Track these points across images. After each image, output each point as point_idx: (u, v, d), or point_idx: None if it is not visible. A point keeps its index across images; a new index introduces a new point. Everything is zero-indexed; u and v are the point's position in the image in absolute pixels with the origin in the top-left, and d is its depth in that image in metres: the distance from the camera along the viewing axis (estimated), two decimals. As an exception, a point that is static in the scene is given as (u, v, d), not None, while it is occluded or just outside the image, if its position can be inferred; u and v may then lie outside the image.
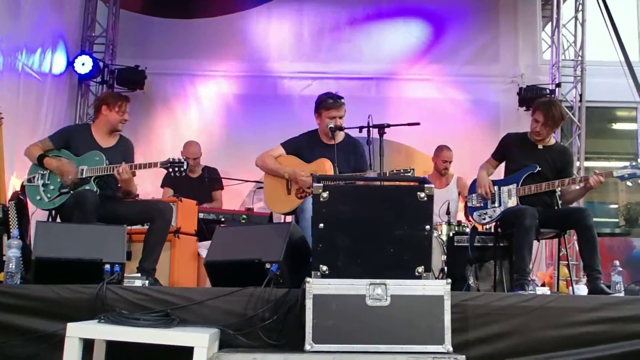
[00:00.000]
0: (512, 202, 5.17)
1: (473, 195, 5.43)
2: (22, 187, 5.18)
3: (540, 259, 7.97)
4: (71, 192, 5.00)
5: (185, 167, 5.12)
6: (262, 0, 9.53)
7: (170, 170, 5.11)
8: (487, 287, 5.52)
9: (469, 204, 5.47)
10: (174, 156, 5.18)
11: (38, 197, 5.09)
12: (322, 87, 8.46)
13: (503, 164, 5.51)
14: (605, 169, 5.14)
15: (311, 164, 5.30)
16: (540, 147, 5.30)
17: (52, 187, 5.08)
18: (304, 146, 5.43)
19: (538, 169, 5.18)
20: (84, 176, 5.03)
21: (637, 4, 9.73)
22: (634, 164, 4.97)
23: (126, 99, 5.36)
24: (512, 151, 5.40)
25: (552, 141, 5.43)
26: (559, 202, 5.28)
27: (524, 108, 8.67)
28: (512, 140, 5.47)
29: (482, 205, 5.35)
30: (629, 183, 5.04)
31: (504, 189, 5.25)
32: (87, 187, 5.00)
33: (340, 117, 5.32)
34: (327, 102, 5.34)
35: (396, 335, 3.30)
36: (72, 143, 5.17)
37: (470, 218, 5.54)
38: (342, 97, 5.40)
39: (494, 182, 5.33)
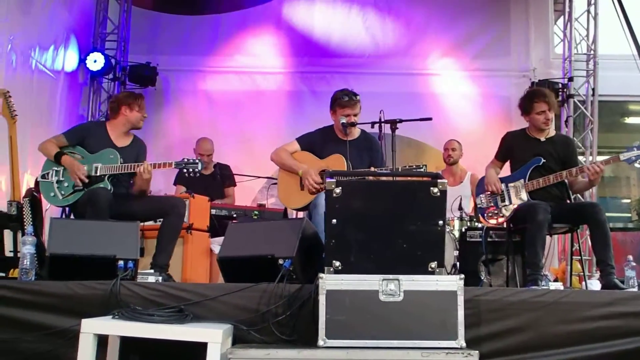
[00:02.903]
0: (523, 197, 5.15)
1: (482, 195, 5.42)
2: (37, 183, 5.22)
3: (553, 254, 7.95)
4: (85, 189, 5.02)
5: (199, 167, 5.14)
6: (272, -4, 9.55)
7: (185, 170, 5.12)
8: (500, 283, 5.50)
9: (479, 205, 5.44)
10: (188, 156, 5.21)
11: (52, 194, 5.12)
12: (333, 82, 8.48)
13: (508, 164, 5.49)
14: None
15: (324, 160, 5.30)
16: (542, 139, 5.28)
17: (66, 185, 5.11)
18: (318, 141, 5.43)
19: (543, 161, 5.16)
20: (98, 174, 5.06)
21: (650, -3, 9.65)
22: (638, 145, 4.96)
23: (142, 96, 5.43)
24: (514, 149, 5.38)
25: (553, 132, 5.42)
26: (570, 193, 5.26)
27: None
28: (512, 138, 5.45)
29: (492, 204, 5.34)
30: (637, 164, 5.01)
31: (512, 185, 5.24)
32: (102, 185, 5.03)
33: (355, 115, 5.31)
34: (341, 100, 5.33)
35: (409, 331, 3.30)
36: (87, 140, 5.19)
37: (481, 219, 5.50)
38: (357, 95, 5.38)
39: (501, 180, 5.32)
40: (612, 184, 10.39)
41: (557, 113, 5.27)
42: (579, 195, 6.75)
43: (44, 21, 7.43)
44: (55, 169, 5.14)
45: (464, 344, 3.27)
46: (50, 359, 3.71)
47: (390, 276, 3.35)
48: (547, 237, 5.06)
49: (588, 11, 9.01)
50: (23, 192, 5.35)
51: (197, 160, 5.14)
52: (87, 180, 5.03)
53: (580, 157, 7.36)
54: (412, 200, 3.52)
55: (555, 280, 6.29)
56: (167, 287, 3.87)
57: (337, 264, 3.44)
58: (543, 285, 4.53)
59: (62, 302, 3.78)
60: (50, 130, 5.29)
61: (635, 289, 4.51)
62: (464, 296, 3.36)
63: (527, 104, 5.33)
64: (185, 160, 5.14)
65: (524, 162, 5.24)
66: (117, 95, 5.68)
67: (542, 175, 5.13)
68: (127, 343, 3.60)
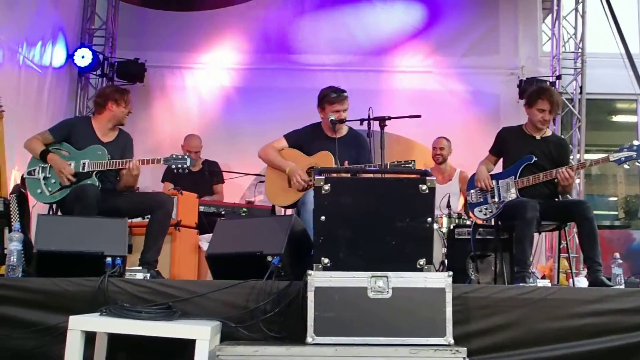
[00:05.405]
0: (512, 194, 5.15)
1: (472, 191, 5.43)
2: (23, 179, 5.18)
3: (540, 251, 7.98)
4: (72, 186, 4.99)
5: (188, 164, 5.12)
6: (260, -8, 9.53)
7: (173, 167, 5.11)
8: (488, 280, 5.53)
9: (469, 200, 5.45)
10: (177, 153, 5.19)
11: (39, 191, 5.07)
12: (321, 79, 8.43)
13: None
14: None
15: (312, 157, 5.30)
16: (537, 137, 5.30)
17: (53, 181, 5.05)
18: (306, 139, 5.42)
19: (534, 159, 5.17)
20: (86, 170, 5.02)
21: (638, -4, 9.71)
22: (628, 146, 4.96)
23: (129, 91, 5.39)
24: (509, 145, 5.39)
25: (549, 132, 5.43)
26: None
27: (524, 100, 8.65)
28: (507, 134, 5.47)
29: (482, 200, 5.35)
30: (626, 165, 5.00)
31: (503, 182, 5.25)
32: (89, 182, 4.99)
33: (344, 111, 5.32)
34: (330, 97, 5.33)
35: (397, 328, 3.31)
36: (74, 136, 5.15)
37: (471, 214, 5.52)
38: (344, 91, 5.39)
39: (492, 176, 5.33)
40: (600, 182, 10.47)
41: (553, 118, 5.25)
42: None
43: (32, 16, 7.38)
44: (42, 165, 5.08)
45: (452, 341, 3.28)
46: (38, 355, 3.70)
47: (379, 273, 3.35)
48: (535, 234, 5.07)
49: (576, 9, 9.05)
50: (10, 188, 5.31)
51: (185, 157, 5.13)
52: (74, 180, 5.00)
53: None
54: (400, 197, 3.52)
55: (543, 277, 6.33)
56: (155, 283, 3.86)
57: (326, 260, 3.45)
58: (531, 283, 4.54)
59: (49, 298, 3.77)
60: (38, 127, 5.25)
61: (622, 287, 4.53)
62: (452, 293, 3.37)
63: (532, 96, 5.34)
64: (174, 156, 5.12)
65: (517, 158, 5.25)
66: (103, 90, 5.58)
67: (534, 173, 5.14)
68: (115, 340, 3.60)
